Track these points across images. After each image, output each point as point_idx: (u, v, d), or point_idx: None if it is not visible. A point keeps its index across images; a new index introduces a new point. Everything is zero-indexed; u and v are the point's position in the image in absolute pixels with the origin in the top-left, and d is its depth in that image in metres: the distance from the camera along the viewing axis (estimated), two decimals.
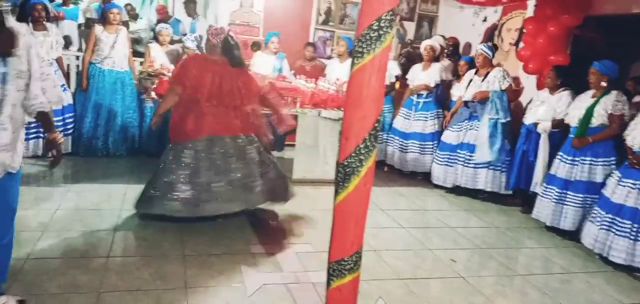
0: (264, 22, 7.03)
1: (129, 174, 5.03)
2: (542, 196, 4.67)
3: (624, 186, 3.96)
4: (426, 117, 5.97)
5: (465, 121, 5.53)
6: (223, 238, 3.73)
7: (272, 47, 6.13)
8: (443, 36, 6.88)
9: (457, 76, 6.03)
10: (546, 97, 4.91)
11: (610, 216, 3.98)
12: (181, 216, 3.65)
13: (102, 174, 4.94)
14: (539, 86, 5.34)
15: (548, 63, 5.10)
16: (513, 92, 5.51)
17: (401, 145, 6.08)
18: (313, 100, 5.22)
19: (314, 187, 5.14)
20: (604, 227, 4.00)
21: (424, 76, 5.96)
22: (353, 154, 2.10)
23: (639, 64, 5.77)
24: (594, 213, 4.15)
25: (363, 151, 2.09)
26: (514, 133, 5.29)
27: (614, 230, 3.93)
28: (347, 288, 2.26)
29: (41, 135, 5.06)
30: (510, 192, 5.37)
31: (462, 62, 6.00)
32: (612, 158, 4.29)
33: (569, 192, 4.43)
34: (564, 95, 4.76)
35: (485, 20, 6.69)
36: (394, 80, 6.25)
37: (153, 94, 5.36)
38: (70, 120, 5.36)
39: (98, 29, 5.42)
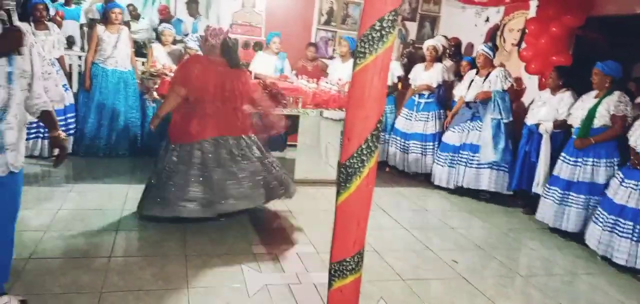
0: (266, 23, 7.02)
1: (130, 174, 5.03)
2: (545, 197, 4.65)
3: (626, 187, 3.94)
4: (427, 118, 5.96)
5: (468, 122, 5.51)
6: (225, 238, 3.73)
7: (274, 47, 6.13)
8: (445, 36, 6.86)
9: (459, 76, 6.01)
10: (548, 98, 4.90)
11: (613, 217, 3.97)
12: (194, 217, 3.65)
13: (104, 174, 4.94)
14: (541, 87, 5.33)
15: (550, 64, 5.08)
16: (515, 93, 5.50)
17: (402, 145, 6.07)
18: (315, 100, 5.22)
19: (315, 188, 5.13)
20: (607, 228, 3.99)
21: (426, 76, 5.95)
22: (355, 155, 2.09)
23: None
24: (597, 214, 4.14)
25: (365, 152, 2.09)
26: (516, 134, 5.29)
27: (617, 231, 3.92)
28: (349, 289, 2.26)
29: (41, 135, 5.07)
30: (511, 193, 5.36)
31: (464, 63, 5.99)
32: (615, 159, 4.28)
33: (571, 194, 4.42)
34: (566, 96, 4.76)
35: (487, 20, 6.67)
36: (396, 81, 6.23)
37: (155, 94, 5.37)
38: (72, 120, 5.36)
39: (100, 28, 5.44)
